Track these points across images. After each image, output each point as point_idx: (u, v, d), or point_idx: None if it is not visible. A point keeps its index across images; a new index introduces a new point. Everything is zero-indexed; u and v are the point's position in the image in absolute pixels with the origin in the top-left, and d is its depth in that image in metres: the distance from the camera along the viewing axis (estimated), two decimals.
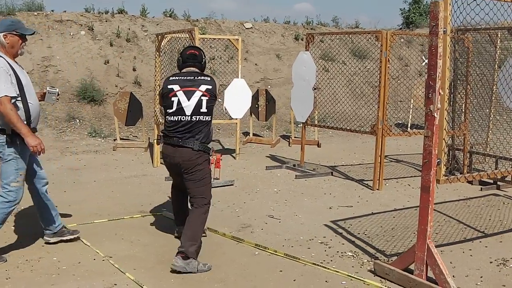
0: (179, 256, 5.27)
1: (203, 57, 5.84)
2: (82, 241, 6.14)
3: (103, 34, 16.38)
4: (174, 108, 5.56)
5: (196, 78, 5.64)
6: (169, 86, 5.61)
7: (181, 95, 5.54)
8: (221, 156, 5.19)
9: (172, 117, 5.58)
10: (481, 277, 5.34)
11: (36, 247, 5.95)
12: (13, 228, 6.58)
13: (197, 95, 5.53)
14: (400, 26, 26.16)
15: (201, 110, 5.52)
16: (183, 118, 5.53)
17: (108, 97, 14.67)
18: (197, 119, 5.51)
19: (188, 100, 5.52)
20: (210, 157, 5.74)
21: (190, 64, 5.77)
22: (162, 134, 5.76)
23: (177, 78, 5.68)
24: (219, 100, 7.56)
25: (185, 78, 5.65)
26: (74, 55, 15.40)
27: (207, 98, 5.54)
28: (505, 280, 5.28)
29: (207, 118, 5.56)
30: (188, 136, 5.49)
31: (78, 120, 13.71)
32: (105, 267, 5.47)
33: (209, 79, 5.67)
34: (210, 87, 5.59)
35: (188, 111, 5.51)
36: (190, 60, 5.77)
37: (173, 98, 5.56)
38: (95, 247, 5.96)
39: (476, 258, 5.87)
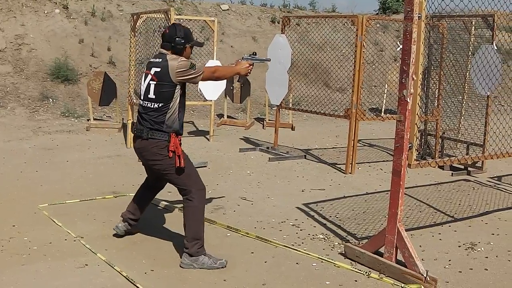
0: (185, 254, 5.12)
1: (174, 36, 5.11)
2: (54, 221, 6.12)
3: (78, 12, 16.21)
4: (139, 90, 5.29)
5: (155, 60, 5.15)
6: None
7: (142, 78, 5.23)
8: (180, 139, 4.96)
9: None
10: (450, 260, 5.43)
11: (6, 227, 5.91)
12: None
13: (148, 79, 5.10)
14: (377, 11, 26.21)
15: (149, 96, 5.05)
16: (140, 102, 5.21)
17: (82, 77, 14.54)
18: (146, 105, 5.08)
19: (144, 83, 5.16)
20: (169, 144, 5.03)
21: (161, 45, 5.23)
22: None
23: (150, 59, 5.32)
24: None
25: (151, 60, 5.25)
26: (48, 34, 15.23)
27: (154, 82, 5.03)
28: (473, 263, 5.37)
29: (156, 105, 5.03)
30: (142, 124, 5.11)
31: (51, 100, 13.58)
32: (76, 247, 5.46)
33: (160, 60, 5.08)
34: (158, 69, 5.04)
35: (142, 95, 5.15)
36: (163, 40, 5.23)
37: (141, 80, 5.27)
38: (67, 227, 5.94)
39: (445, 242, 5.95)
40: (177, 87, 5.04)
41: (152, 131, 5.05)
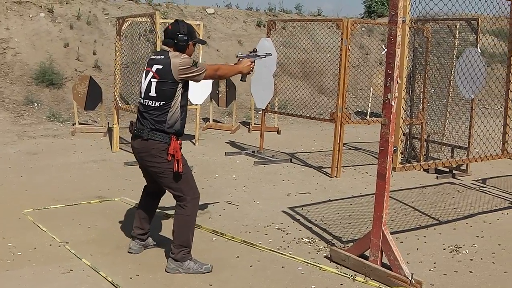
0: (171, 258, 5.07)
1: (177, 32, 4.99)
2: (39, 226, 6.08)
3: (63, 16, 16.15)
4: (139, 88, 5.19)
5: (156, 57, 5.04)
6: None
7: (143, 75, 5.10)
8: (180, 143, 4.87)
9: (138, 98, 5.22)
10: (435, 263, 5.45)
11: None
12: None
13: (149, 77, 4.97)
14: (362, 15, 26.32)
15: (150, 94, 4.93)
16: (140, 100, 5.10)
17: (67, 81, 14.48)
18: (147, 103, 4.96)
19: (144, 81, 5.04)
20: (169, 146, 4.92)
21: (163, 42, 5.11)
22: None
23: (151, 56, 5.21)
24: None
25: (153, 57, 5.14)
26: (33, 38, 15.16)
27: (156, 80, 4.91)
28: (457, 266, 5.40)
29: (157, 103, 4.92)
30: (142, 123, 5.00)
31: (36, 104, 13.52)
32: (61, 252, 5.43)
33: (162, 57, 4.97)
34: (160, 67, 4.92)
35: (142, 93, 5.03)
36: (165, 36, 5.09)
37: (142, 78, 5.16)
38: (52, 232, 5.91)
39: (430, 244, 5.98)
40: (179, 85, 4.94)
41: (153, 132, 4.93)
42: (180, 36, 4.99)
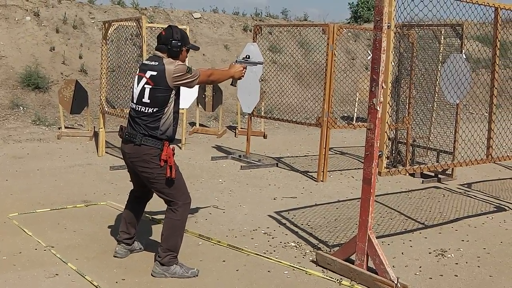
0: (157, 262, 5.07)
1: (171, 38, 4.97)
2: (24, 231, 6.06)
3: (49, 20, 16.09)
4: (131, 93, 5.17)
5: (150, 62, 4.99)
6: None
7: (135, 80, 5.07)
8: (173, 149, 4.86)
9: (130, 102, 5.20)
10: (420, 267, 5.48)
11: None
12: None
13: (142, 82, 4.93)
14: (349, 20, 26.42)
15: (143, 100, 4.90)
16: (132, 105, 5.07)
17: (53, 85, 14.42)
18: (140, 109, 4.93)
19: (137, 86, 5.01)
20: (161, 152, 4.90)
21: (156, 47, 5.07)
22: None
23: (144, 61, 5.19)
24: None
25: (145, 62, 5.12)
26: (19, 41, 15.09)
27: (150, 86, 4.87)
28: (443, 269, 5.43)
29: (151, 110, 4.90)
30: (135, 128, 4.97)
31: (22, 108, 13.46)
32: (46, 257, 5.41)
33: (156, 63, 4.93)
34: (154, 73, 4.89)
35: (135, 99, 4.99)
36: (158, 42, 5.06)
37: (134, 83, 5.14)
38: (37, 236, 5.88)
39: (416, 248, 6.01)
40: (172, 92, 4.93)
41: (145, 137, 4.91)
42: (174, 42, 4.98)
